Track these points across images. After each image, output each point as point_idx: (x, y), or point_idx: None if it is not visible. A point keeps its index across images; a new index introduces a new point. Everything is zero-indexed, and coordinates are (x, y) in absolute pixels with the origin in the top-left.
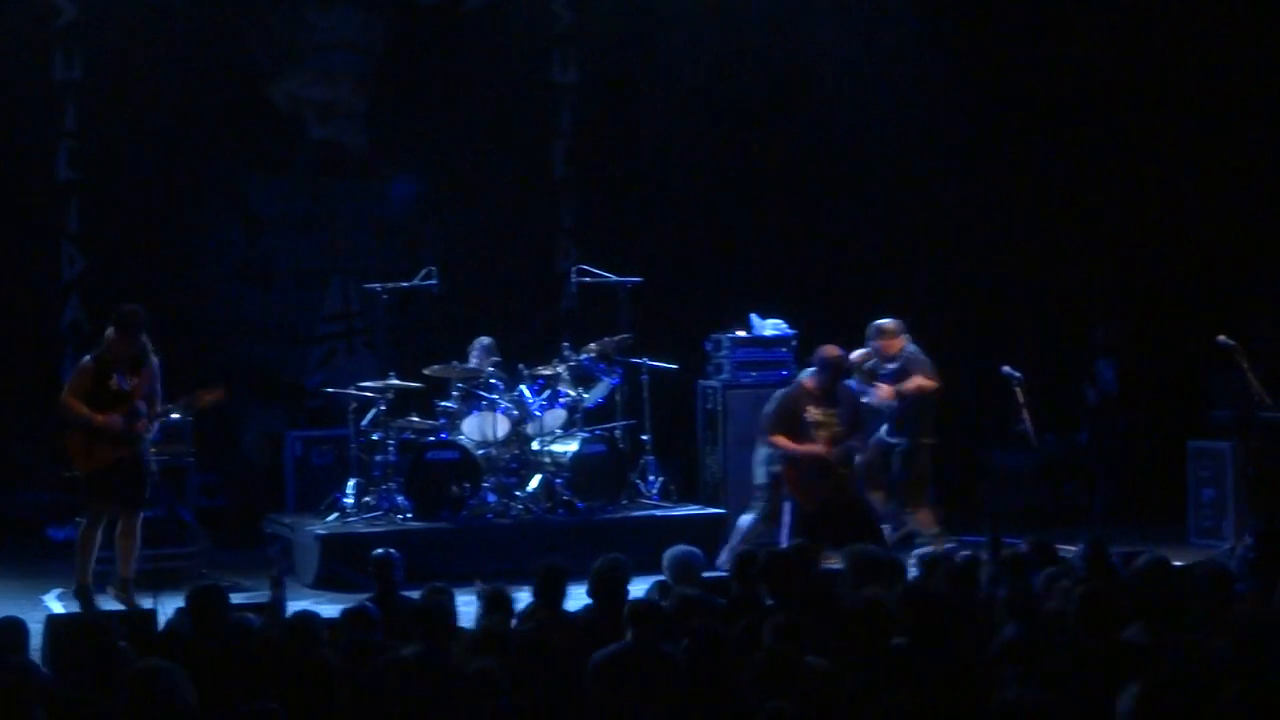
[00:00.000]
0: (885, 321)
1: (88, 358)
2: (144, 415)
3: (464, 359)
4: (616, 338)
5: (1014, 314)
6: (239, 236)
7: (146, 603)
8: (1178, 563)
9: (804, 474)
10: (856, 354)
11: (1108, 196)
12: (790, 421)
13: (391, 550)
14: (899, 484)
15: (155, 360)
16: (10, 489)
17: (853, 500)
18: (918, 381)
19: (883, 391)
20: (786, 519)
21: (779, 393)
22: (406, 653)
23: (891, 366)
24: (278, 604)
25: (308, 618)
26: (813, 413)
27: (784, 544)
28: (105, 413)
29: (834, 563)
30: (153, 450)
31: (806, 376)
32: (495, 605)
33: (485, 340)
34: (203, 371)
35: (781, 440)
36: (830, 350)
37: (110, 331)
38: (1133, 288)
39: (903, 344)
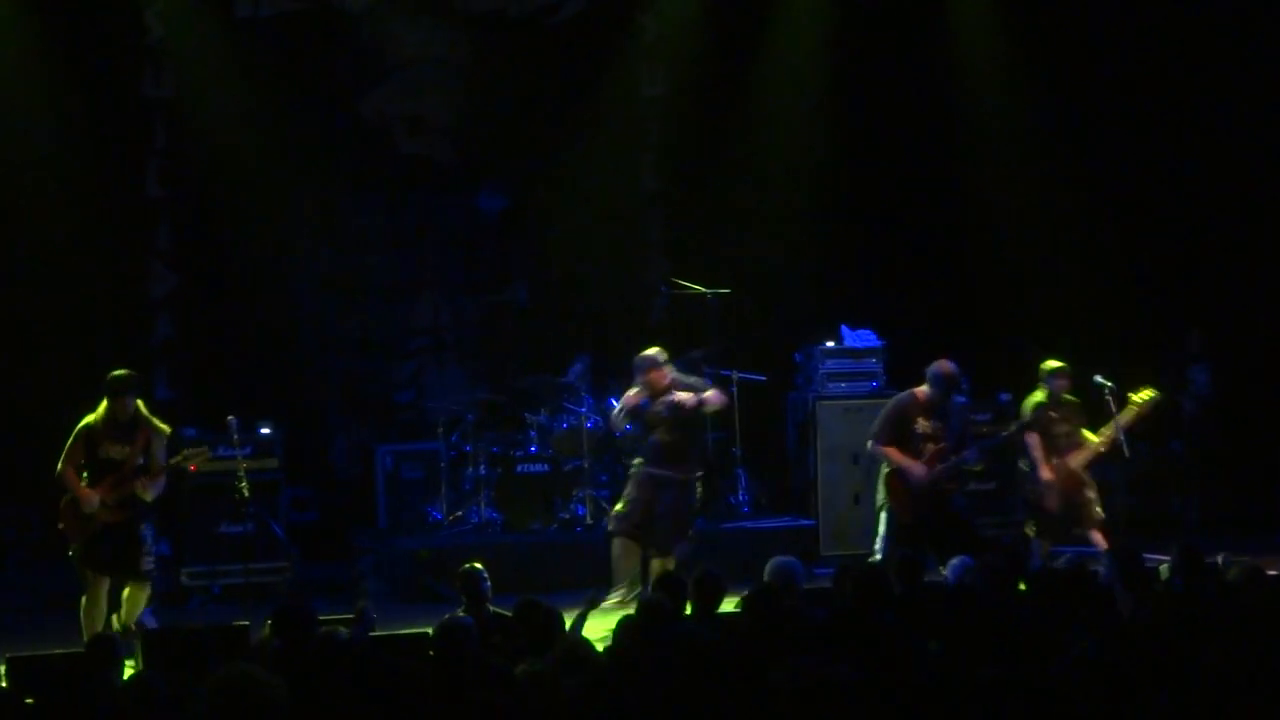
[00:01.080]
0: (651, 352)
1: (81, 425)
2: (131, 481)
3: (555, 372)
4: (706, 350)
5: (1104, 321)
6: (328, 252)
7: (239, 618)
8: (1272, 572)
9: (907, 485)
10: (629, 394)
11: (1198, 202)
12: (900, 431)
13: (477, 564)
14: (662, 518)
15: (156, 423)
16: None
17: (952, 514)
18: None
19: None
20: (882, 529)
21: (891, 400)
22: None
23: (669, 400)
24: (364, 619)
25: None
26: (923, 424)
27: (880, 552)
28: (97, 483)
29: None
30: (244, 467)
31: (921, 387)
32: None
33: (586, 359)
34: (293, 386)
35: (891, 451)
36: (945, 365)
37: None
38: (1225, 294)
39: (670, 376)
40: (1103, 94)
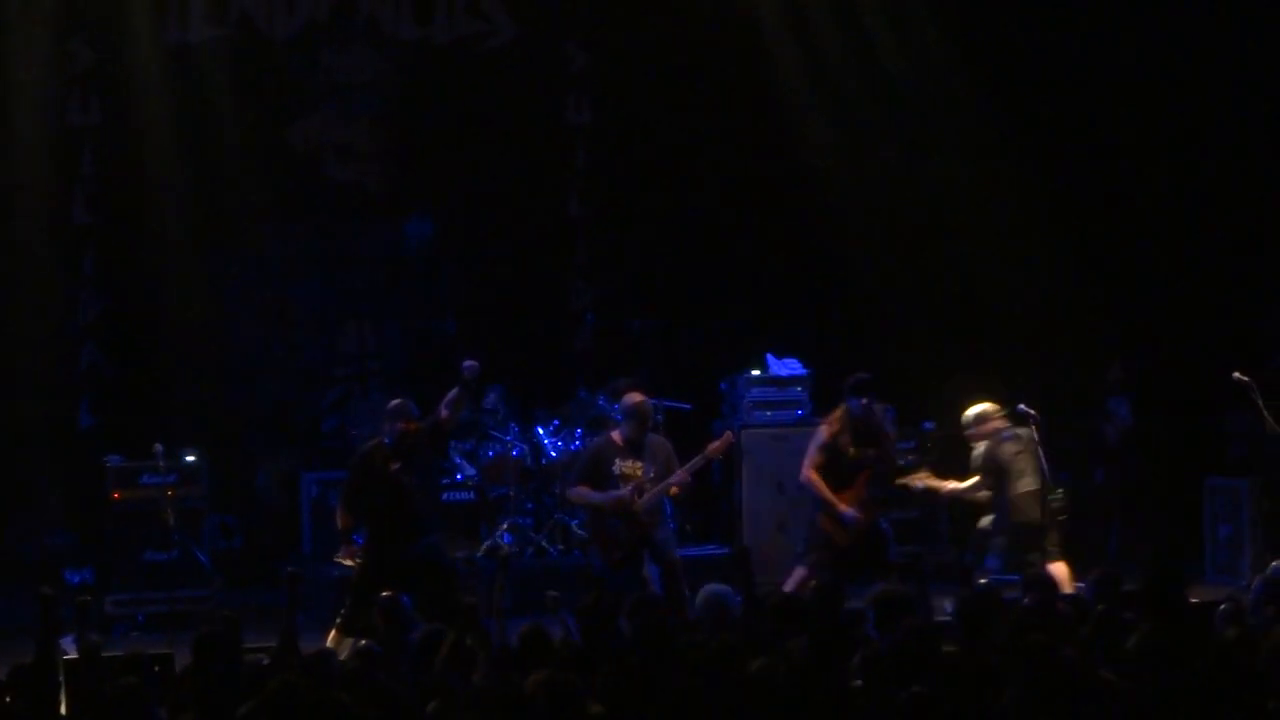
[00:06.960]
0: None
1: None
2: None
3: (476, 401)
4: (631, 378)
5: (1026, 351)
6: (254, 278)
7: (162, 646)
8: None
9: (606, 523)
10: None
11: (1119, 234)
12: (596, 475)
13: (399, 594)
14: None
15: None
16: (28, 532)
17: (653, 544)
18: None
19: None
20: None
21: (588, 446)
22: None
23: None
24: (289, 641)
25: (325, 656)
26: (620, 465)
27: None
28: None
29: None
30: (169, 494)
31: (615, 429)
32: None
33: (500, 388)
34: (219, 413)
35: (583, 491)
36: (634, 398)
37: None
38: (1146, 324)
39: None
40: (1029, 116)
